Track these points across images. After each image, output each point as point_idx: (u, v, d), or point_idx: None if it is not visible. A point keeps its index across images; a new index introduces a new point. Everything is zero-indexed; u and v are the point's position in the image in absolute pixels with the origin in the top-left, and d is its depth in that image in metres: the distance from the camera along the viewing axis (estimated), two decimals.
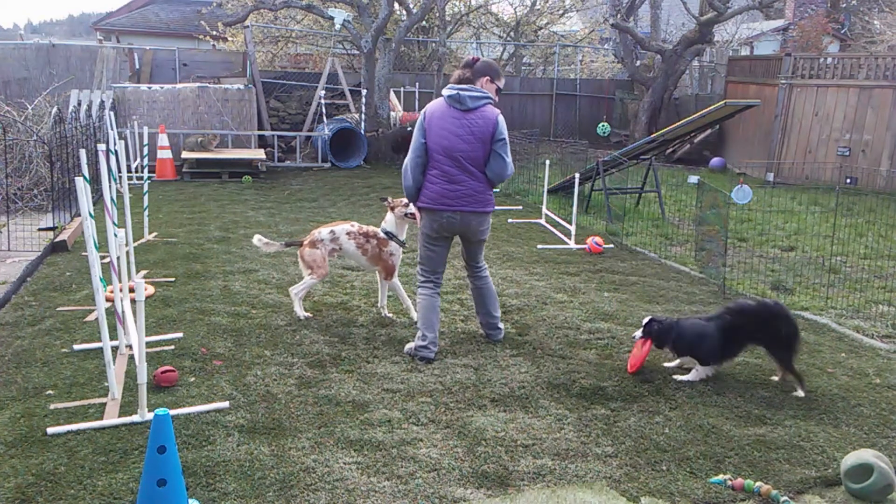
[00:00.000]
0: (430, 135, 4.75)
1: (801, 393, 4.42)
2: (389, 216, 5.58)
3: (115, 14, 26.86)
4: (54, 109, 9.18)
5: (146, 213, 8.02)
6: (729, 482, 3.46)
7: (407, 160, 4.87)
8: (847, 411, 4.27)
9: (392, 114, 15.21)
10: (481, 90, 4.73)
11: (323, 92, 14.99)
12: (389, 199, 5.62)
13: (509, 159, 4.75)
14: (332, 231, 5.61)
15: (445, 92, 4.77)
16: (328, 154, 14.05)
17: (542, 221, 9.43)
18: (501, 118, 4.73)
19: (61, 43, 16.40)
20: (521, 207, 10.50)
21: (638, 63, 18.41)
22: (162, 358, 4.67)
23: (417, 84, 16.98)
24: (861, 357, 5.14)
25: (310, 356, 4.84)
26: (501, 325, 5.28)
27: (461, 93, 4.68)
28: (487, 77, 4.78)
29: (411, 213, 5.35)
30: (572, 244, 8.18)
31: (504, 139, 4.69)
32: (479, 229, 4.89)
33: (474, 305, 5.29)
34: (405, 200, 5.37)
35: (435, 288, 4.99)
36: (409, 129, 14.71)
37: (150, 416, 3.74)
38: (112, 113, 11.05)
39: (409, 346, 4.95)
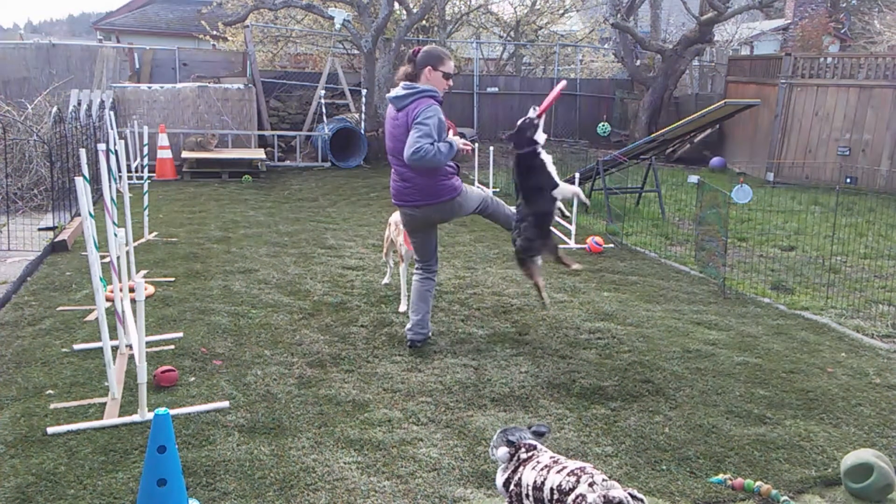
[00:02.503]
0: (385, 139, 4.92)
1: None
2: None
3: (115, 14, 26.88)
4: (54, 109, 9.18)
5: (146, 212, 8.02)
6: (729, 482, 3.46)
7: None
8: (847, 411, 4.27)
9: None
10: (412, 86, 4.62)
11: (323, 92, 14.99)
12: None
13: (413, 140, 4.43)
14: None
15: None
16: (328, 154, 14.05)
17: None
18: (429, 107, 4.52)
19: (61, 42, 16.40)
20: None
21: (638, 63, 18.41)
22: (162, 358, 4.68)
23: None
24: (861, 357, 5.14)
25: (310, 356, 4.84)
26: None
27: (393, 94, 4.70)
28: (429, 67, 4.64)
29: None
30: (572, 244, 8.17)
31: (419, 121, 4.46)
32: (454, 215, 4.99)
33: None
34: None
35: (425, 273, 5.10)
36: None
37: (150, 415, 3.74)
38: (112, 113, 11.05)
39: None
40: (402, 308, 5.76)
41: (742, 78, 15.78)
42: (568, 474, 2.68)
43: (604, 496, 2.54)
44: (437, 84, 4.68)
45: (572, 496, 2.61)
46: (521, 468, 2.87)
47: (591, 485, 2.59)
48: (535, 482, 2.77)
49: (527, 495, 2.79)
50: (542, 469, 2.79)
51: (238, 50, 17.03)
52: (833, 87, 13.05)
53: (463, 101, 17.69)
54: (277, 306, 5.80)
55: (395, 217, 5.83)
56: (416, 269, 5.14)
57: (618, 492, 2.55)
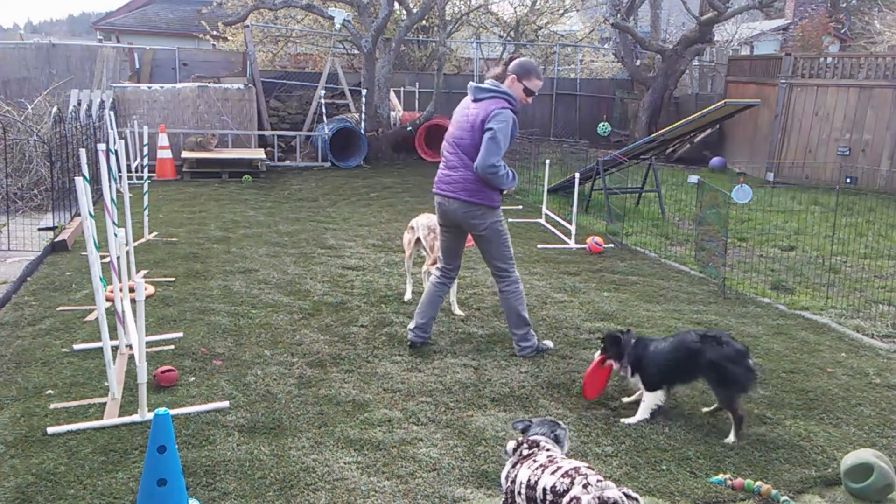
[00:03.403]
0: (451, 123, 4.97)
1: (730, 438, 3.88)
2: None
3: (116, 14, 26.89)
4: (54, 109, 9.18)
5: (146, 212, 8.01)
6: (729, 482, 3.46)
7: None
8: (847, 411, 4.27)
9: (392, 113, 15.22)
10: (497, 85, 4.76)
11: (323, 92, 14.98)
12: None
13: (493, 150, 4.60)
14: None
15: None
16: (328, 154, 14.05)
17: (542, 221, 9.43)
18: (502, 112, 4.64)
19: (61, 42, 16.39)
20: (521, 207, 10.50)
21: (638, 63, 18.41)
22: (162, 358, 4.68)
23: (417, 84, 16.98)
24: (861, 357, 5.14)
25: (310, 356, 4.84)
26: (528, 342, 4.97)
27: (473, 84, 4.86)
28: (515, 76, 4.76)
29: None
30: (572, 244, 8.17)
31: (492, 128, 4.60)
32: (470, 221, 4.80)
33: None
34: None
35: (442, 277, 5.09)
36: (408, 129, 14.70)
37: (150, 415, 3.74)
38: (112, 113, 11.05)
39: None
40: (408, 297, 5.98)
41: (742, 78, 15.78)
42: (562, 475, 2.67)
43: (598, 497, 2.53)
44: (516, 94, 4.77)
45: (566, 498, 2.59)
46: (519, 465, 2.87)
47: (585, 486, 2.58)
48: (528, 480, 2.76)
49: (519, 493, 2.79)
50: (536, 468, 2.78)
51: (238, 50, 17.03)
52: (833, 87, 13.04)
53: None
54: (277, 306, 5.80)
55: (419, 220, 5.94)
56: (437, 267, 5.15)
57: (612, 492, 2.54)
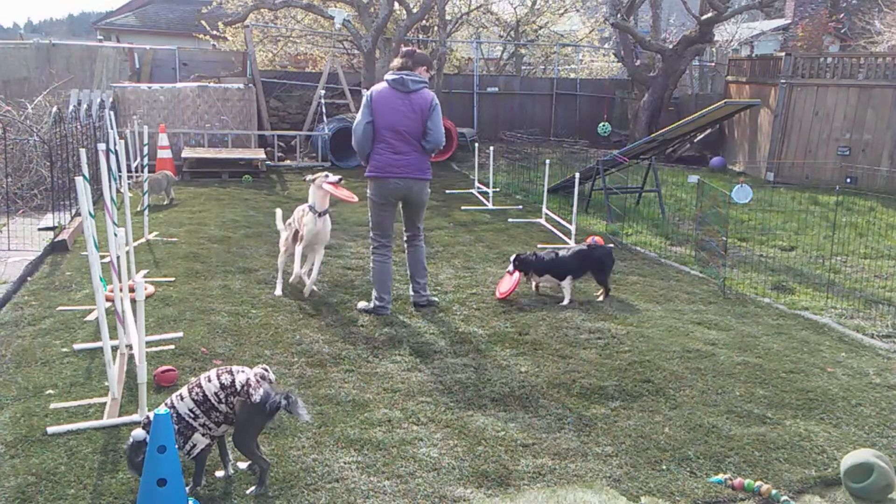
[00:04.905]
0: (378, 114, 5.45)
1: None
2: (311, 189, 5.94)
3: (116, 13, 26.93)
4: (54, 109, 9.18)
5: (146, 212, 8.01)
6: (729, 482, 3.46)
7: (356, 136, 5.53)
8: (847, 411, 4.27)
9: None
10: (420, 76, 5.47)
11: (323, 91, 14.98)
12: (308, 176, 6.08)
13: (442, 128, 5.51)
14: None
15: (389, 76, 5.48)
16: (328, 153, 14.05)
17: (542, 221, 9.43)
18: (436, 98, 5.52)
19: (61, 42, 16.37)
20: (521, 207, 10.50)
21: (638, 63, 18.40)
22: (162, 357, 4.68)
23: None
24: (861, 357, 5.14)
25: (310, 355, 4.84)
26: (428, 291, 5.90)
27: (405, 77, 5.41)
28: (425, 66, 5.52)
29: (330, 182, 5.84)
30: (572, 244, 8.17)
31: (438, 109, 5.47)
32: (421, 194, 5.64)
33: (409, 273, 5.94)
34: (327, 173, 5.90)
35: (388, 252, 5.72)
36: None
37: (150, 415, 3.74)
38: (112, 112, 11.05)
39: (364, 304, 5.73)
40: (278, 292, 6.03)
41: (742, 78, 15.78)
42: (218, 377, 3.23)
43: (256, 374, 3.26)
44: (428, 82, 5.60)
45: (238, 383, 3.20)
46: (174, 414, 3.18)
47: (243, 372, 3.25)
48: (195, 402, 3.20)
49: (195, 416, 3.20)
50: (189, 392, 3.23)
51: (238, 50, 17.03)
52: (833, 87, 13.04)
53: (463, 100, 17.68)
54: (277, 306, 5.80)
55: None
56: (378, 247, 5.66)
57: (257, 369, 3.32)
